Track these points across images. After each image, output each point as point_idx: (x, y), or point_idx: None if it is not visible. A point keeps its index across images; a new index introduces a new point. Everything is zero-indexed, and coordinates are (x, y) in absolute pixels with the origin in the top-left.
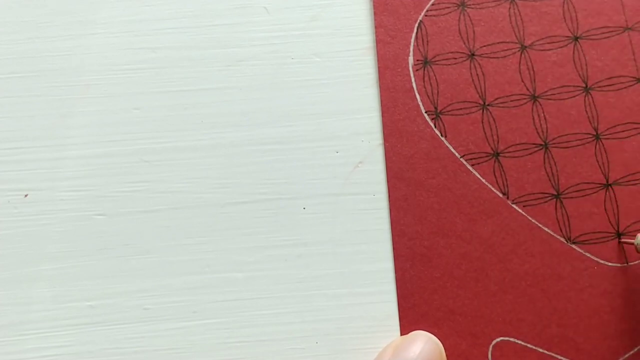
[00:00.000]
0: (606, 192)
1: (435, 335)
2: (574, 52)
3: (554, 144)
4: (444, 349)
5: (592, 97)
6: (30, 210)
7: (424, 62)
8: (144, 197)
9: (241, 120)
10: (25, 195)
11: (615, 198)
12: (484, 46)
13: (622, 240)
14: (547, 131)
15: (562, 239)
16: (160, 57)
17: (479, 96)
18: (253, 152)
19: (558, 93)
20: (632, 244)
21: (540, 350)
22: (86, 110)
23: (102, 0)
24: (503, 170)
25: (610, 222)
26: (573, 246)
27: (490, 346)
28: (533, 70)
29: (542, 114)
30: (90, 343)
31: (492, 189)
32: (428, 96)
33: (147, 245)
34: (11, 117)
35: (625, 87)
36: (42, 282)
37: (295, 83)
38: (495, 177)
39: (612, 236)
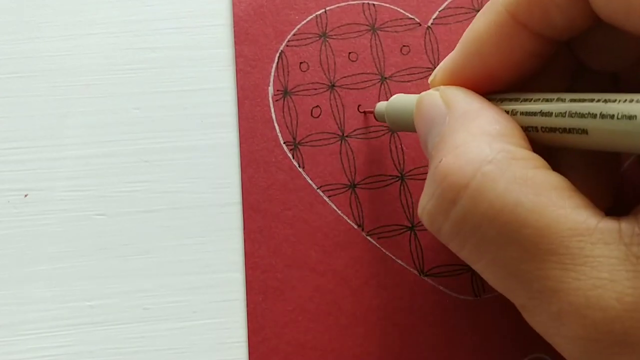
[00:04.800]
0: None
1: None
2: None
3: (409, 175)
4: None
5: None
6: (30, 210)
7: (284, 93)
8: (144, 197)
9: None
10: (25, 195)
11: None
12: (344, 77)
13: (362, 110)
14: (404, 163)
15: (415, 272)
16: (160, 57)
17: (338, 127)
18: None
19: None
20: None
21: None
22: (86, 110)
23: (102, 0)
24: (359, 202)
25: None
26: (426, 279)
27: None
28: None
29: (400, 146)
30: (90, 343)
31: (348, 220)
32: (287, 127)
33: (147, 245)
34: (11, 117)
35: None
36: (41, 282)
37: None
38: (352, 208)
39: (465, 269)
